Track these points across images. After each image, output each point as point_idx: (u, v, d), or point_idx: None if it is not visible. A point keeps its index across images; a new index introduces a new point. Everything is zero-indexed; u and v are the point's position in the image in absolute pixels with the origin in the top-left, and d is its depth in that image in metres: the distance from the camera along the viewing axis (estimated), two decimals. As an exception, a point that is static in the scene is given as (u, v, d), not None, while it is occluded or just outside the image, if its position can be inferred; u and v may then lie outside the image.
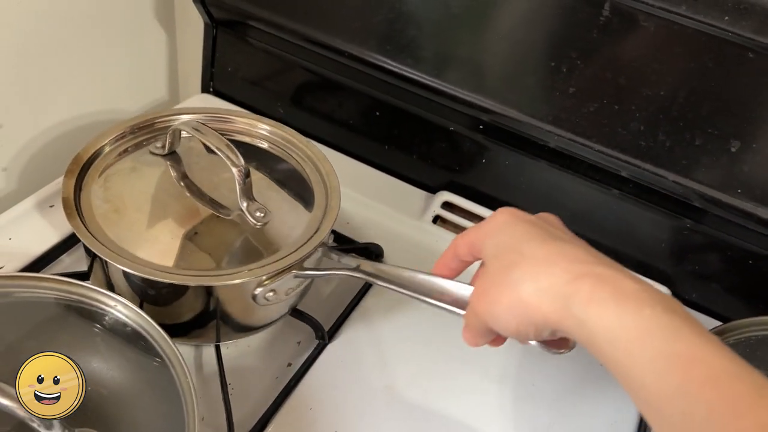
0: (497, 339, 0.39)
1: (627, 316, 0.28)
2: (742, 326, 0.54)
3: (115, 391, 0.41)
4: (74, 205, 0.49)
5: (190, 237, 0.49)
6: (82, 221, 0.48)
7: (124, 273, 0.46)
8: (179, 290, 0.47)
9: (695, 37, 0.50)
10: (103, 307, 0.45)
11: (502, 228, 0.36)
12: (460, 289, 0.42)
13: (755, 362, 0.28)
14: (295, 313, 0.55)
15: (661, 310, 0.28)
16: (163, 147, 0.55)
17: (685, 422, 0.26)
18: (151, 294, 0.47)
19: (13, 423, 0.36)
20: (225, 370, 0.51)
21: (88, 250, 0.48)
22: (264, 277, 0.47)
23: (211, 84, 0.78)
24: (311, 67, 0.71)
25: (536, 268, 0.32)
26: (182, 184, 0.53)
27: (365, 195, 0.69)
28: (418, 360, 0.55)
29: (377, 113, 0.71)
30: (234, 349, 0.54)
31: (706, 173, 0.55)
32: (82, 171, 0.52)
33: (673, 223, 0.61)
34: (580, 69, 0.56)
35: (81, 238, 0.46)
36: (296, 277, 0.49)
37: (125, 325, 0.44)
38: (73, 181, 0.50)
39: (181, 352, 0.43)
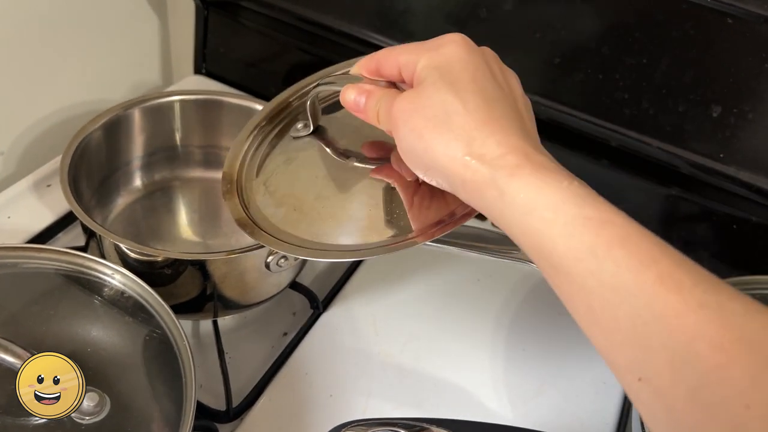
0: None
1: (546, 188, 0.29)
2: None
3: (114, 355, 0.42)
4: (251, 222, 0.44)
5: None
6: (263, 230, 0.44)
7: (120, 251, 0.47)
8: (181, 266, 0.48)
9: (674, 4, 0.51)
10: (101, 276, 0.46)
11: (454, 56, 0.34)
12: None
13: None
14: (292, 285, 0.56)
15: (578, 184, 0.30)
16: (306, 126, 0.47)
17: (593, 281, 0.27)
18: (155, 272, 0.48)
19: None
20: (222, 340, 0.52)
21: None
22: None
23: (203, 65, 0.79)
24: (302, 45, 0.72)
25: (474, 131, 0.31)
26: (345, 157, 0.46)
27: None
28: (410, 327, 0.57)
29: (368, 90, 0.71)
30: (231, 320, 0.56)
31: (689, 139, 0.57)
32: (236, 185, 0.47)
33: (661, 192, 0.62)
34: (563, 39, 0.57)
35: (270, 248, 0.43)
36: None
37: (123, 293, 0.45)
38: (236, 200, 0.45)
39: (180, 321, 0.44)
